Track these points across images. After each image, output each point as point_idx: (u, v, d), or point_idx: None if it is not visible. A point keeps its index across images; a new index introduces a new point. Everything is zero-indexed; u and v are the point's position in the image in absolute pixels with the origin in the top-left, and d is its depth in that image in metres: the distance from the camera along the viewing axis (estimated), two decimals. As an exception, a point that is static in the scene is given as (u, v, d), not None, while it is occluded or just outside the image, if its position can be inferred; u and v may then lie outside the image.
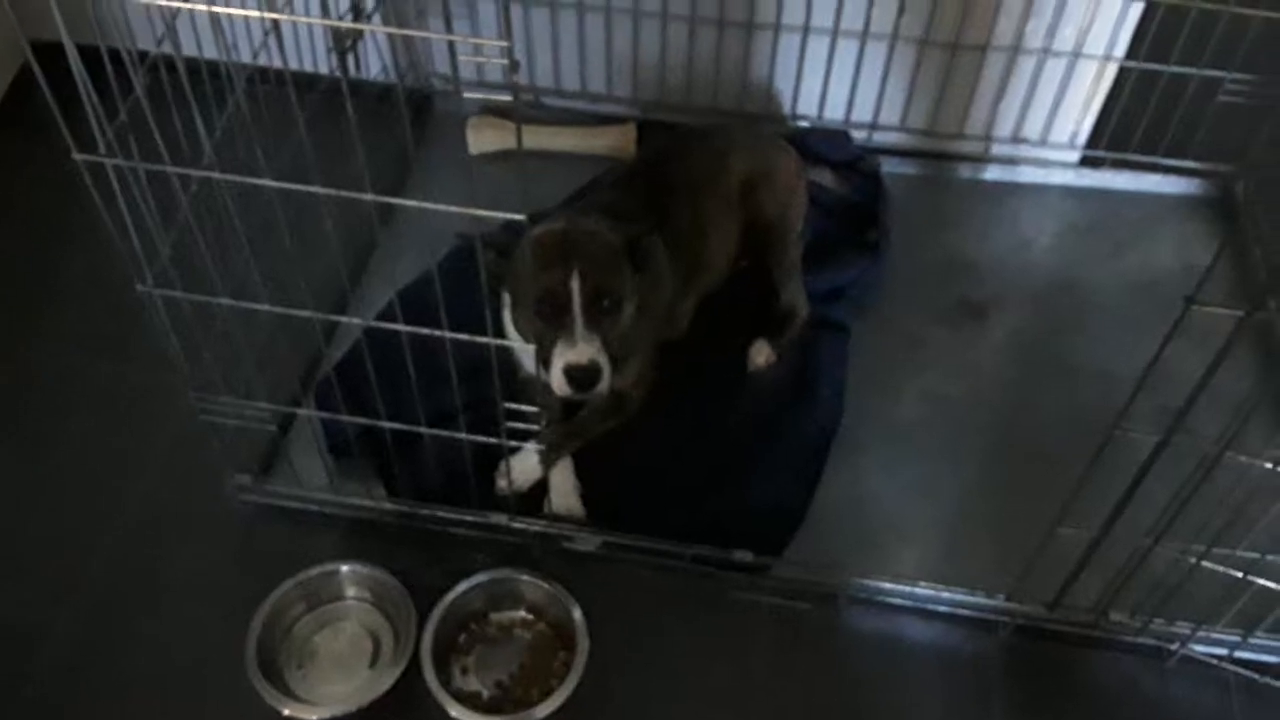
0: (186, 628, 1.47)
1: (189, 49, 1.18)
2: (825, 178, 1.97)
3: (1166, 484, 1.20)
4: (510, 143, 2.07)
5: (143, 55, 1.13)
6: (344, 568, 1.44)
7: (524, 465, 1.53)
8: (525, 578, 1.45)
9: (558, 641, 1.43)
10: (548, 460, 1.54)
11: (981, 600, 1.46)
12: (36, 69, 1.02)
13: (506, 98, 1.06)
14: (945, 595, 1.47)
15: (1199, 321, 1.03)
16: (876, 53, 1.95)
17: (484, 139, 2.07)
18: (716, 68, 2.01)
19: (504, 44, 0.94)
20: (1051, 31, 1.87)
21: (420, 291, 1.49)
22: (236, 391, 1.40)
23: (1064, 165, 2.07)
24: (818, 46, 1.95)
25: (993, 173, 2.08)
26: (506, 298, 1.49)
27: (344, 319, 1.38)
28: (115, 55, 1.09)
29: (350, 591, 1.46)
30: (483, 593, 1.45)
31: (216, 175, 1.13)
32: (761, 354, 1.74)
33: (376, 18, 1.96)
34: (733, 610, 1.50)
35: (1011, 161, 2.08)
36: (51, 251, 1.90)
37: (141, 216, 1.18)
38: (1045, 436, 1.70)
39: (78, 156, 1.09)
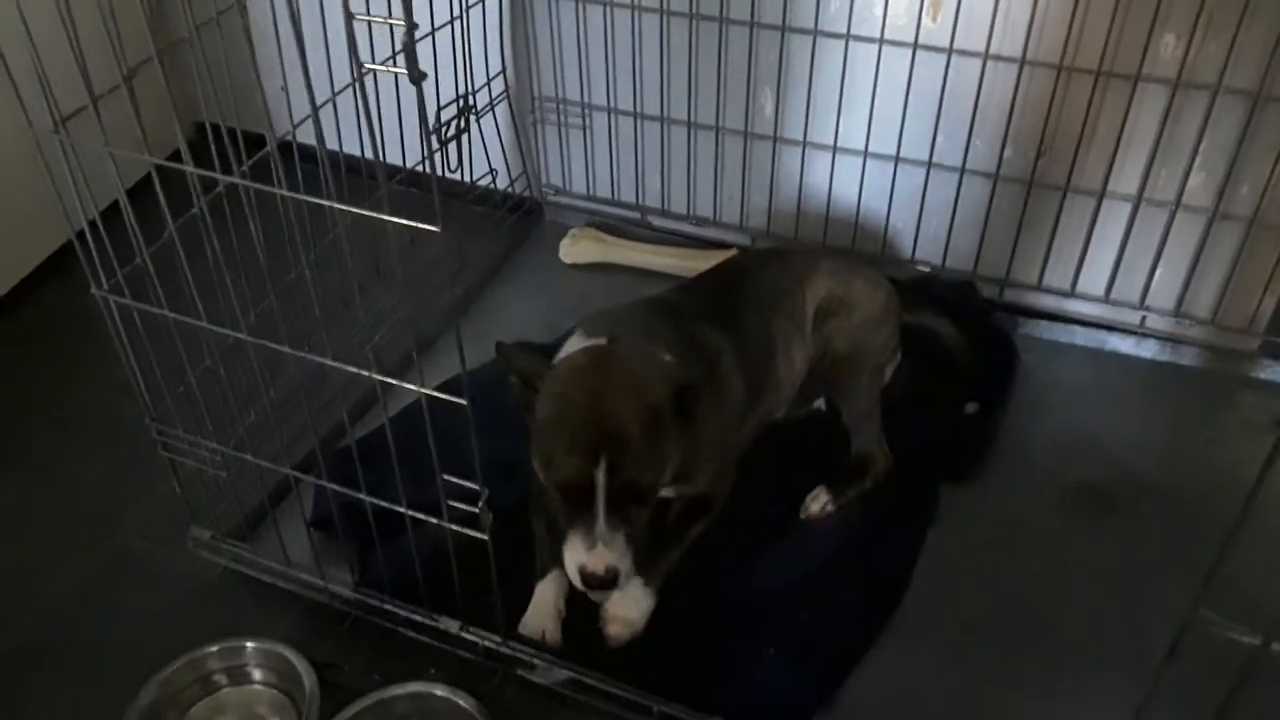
0: (89, 686, 1.33)
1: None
2: (941, 326, 1.72)
3: None
4: (604, 256, 2.00)
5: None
6: (249, 645, 1.27)
7: (628, 601, 1.30)
8: (462, 703, 1.22)
9: (483, 789, 1.18)
10: (655, 584, 1.33)
11: None
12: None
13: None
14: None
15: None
16: (1011, 197, 1.73)
17: (578, 250, 1.99)
18: (829, 198, 1.85)
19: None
20: (1222, 189, 1.59)
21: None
22: (204, 433, 1.30)
23: (1239, 352, 1.72)
24: (943, 184, 1.76)
25: (1151, 349, 1.76)
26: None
27: (334, 365, 1.16)
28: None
29: (257, 674, 1.28)
30: (409, 709, 1.22)
31: (237, 180, 1.06)
32: (817, 502, 1.49)
33: (490, 118, 1.97)
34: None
35: (1176, 340, 1.75)
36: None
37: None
38: (1150, 661, 1.32)
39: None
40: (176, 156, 1.07)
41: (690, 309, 1.44)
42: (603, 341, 1.27)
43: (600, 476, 1.13)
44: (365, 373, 1.08)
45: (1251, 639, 0.81)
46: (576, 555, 1.16)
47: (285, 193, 0.98)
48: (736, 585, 1.40)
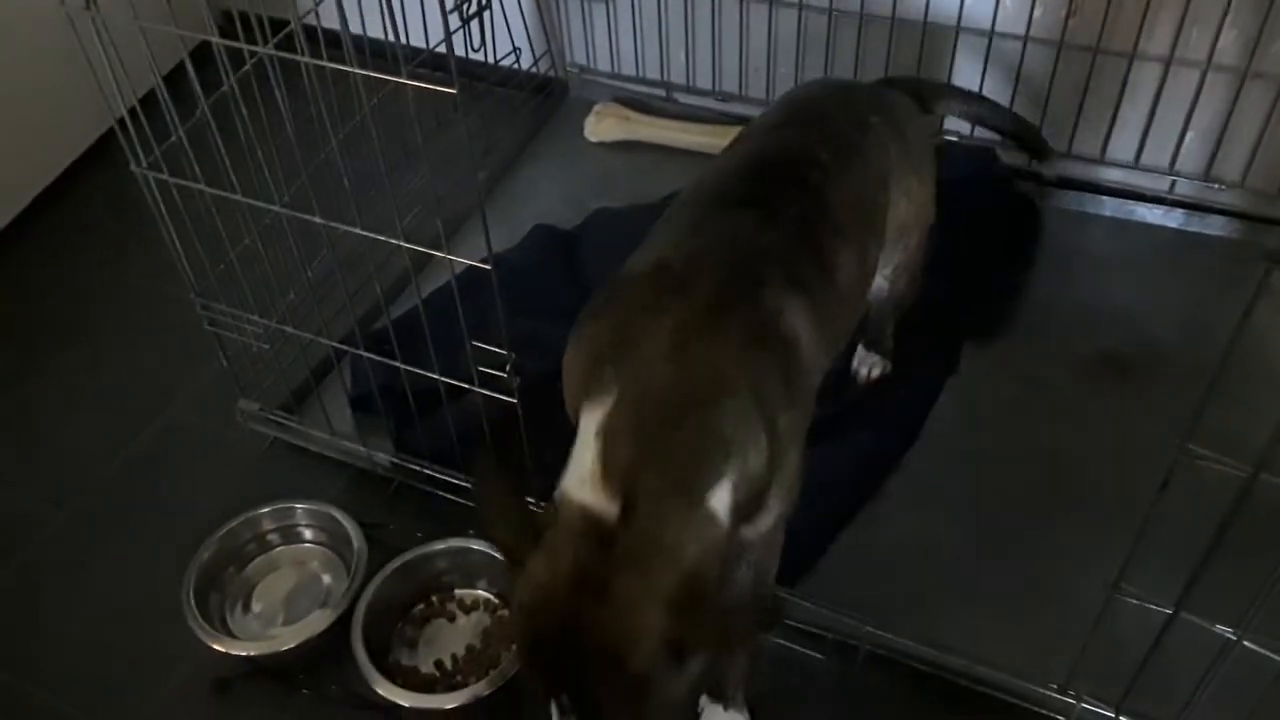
0: (150, 548, 1.42)
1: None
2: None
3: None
4: (629, 133, 2.00)
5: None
6: (300, 506, 1.35)
7: None
8: (499, 556, 1.29)
9: (518, 633, 1.26)
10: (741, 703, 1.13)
11: (1025, 686, 1.15)
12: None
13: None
14: (982, 673, 1.17)
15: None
16: (1041, 60, 1.70)
17: (603, 127, 1.99)
18: (856, 66, 1.83)
19: None
20: (1254, 48, 1.55)
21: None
22: (248, 308, 1.35)
23: (1266, 219, 1.71)
24: (971, 48, 1.73)
25: (1178, 219, 1.75)
26: None
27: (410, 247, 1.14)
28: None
29: (308, 534, 1.36)
30: (449, 563, 1.31)
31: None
32: (876, 368, 1.50)
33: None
34: (729, 642, 1.28)
35: (1204, 208, 1.74)
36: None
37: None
38: (1165, 519, 1.36)
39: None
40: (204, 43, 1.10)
41: (776, 258, 1.03)
42: (614, 511, 0.87)
43: (554, 711, 0.89)
44: (395, 241, 1.12)
45: (1241, 470, 0.84)
46: None
47: (308, 59, 1.01)
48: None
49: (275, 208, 1.19)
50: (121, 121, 1.13)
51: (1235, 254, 1.71)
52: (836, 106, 1.26)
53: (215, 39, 1.05)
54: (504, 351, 1.14)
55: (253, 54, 1.08)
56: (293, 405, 1.52)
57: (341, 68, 0.99)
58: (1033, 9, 1.65)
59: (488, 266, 1.05)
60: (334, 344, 1.37)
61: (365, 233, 1.13)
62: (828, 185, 1.11)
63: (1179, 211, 1.75)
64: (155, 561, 1.39)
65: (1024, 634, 1.25)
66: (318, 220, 1.14)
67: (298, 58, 1.03)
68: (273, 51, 1.04)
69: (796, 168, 1.12)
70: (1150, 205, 1.76)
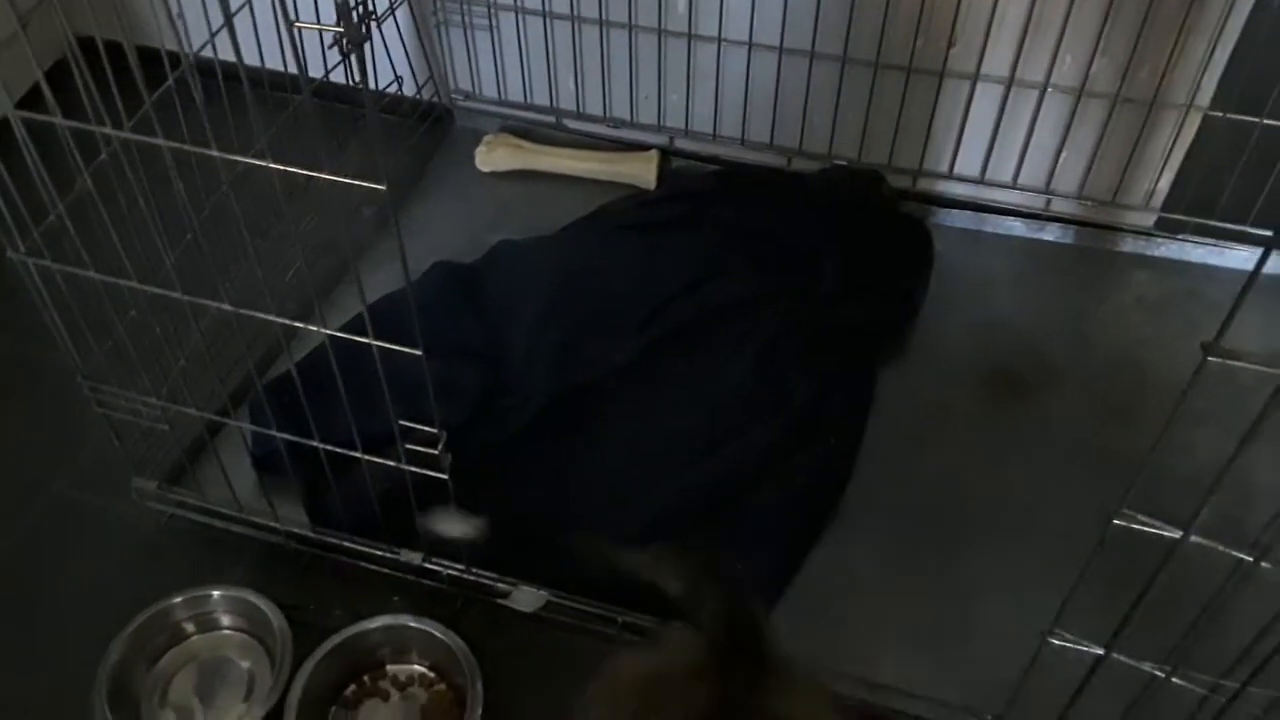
0: (52, 645, 1.33)
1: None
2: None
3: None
4: (522, 163, 1.97)
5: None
6: (216, 593, 1.28)
7: None
8: (433, 630, 1.26)
9: (457, 708, 1.24)
10: None
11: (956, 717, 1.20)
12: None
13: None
14: (913, 708, 1.21)
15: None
16: (925, 88, 1.75)
17: (494, 157, 1.95)
18: (746, 95, 1.84)
19: None
20: (1124, 74, 1.64)
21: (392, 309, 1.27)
22: (139, 387, 1.27)
23: (1136, 231, 1.81)
24: (858, 80, 1.77)
25: (1053, 233, 1.84)
26: None
27: (280, 320, 1.11)
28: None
29: (225, 620, 1.29)
30: (382, 640, 1.26)
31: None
32: None
33: (392, 23, 1.89)
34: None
35: (1078, 222, 1.84)
36: None
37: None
38: (1071, 540, 1.43)
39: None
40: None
41: None
42: None
43: None
44: (307, 325, 1.07)
45: (1172, 533, 0.89)
46: None
47: (219, 154, 0.94)
48: (691, 480, 1.44)
49: (175, 294, 1.11)
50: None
51: (1110, 263, 1.81)
52: None
53: (100, 129, 0.97)
54: (434, 430, 1.10)
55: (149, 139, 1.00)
56: (190, 480, 1.43)
57: (253, 162, 0.93)
58: (915, 39, 1.69)
59: (419, 352, 1.01)
60: (236, 423, 1.30)
61: (274, 318, 1.07)
62: None
63: (1055, 225, 1.84)
64: (59, 659, 1.29)
65: (940, 662, 1.29)
66: (227, 308, 1.08)
67: (198, 150, 0.96)
68: (164, 143, 0.97)
69: None
70: (1028, 220, 1.85)
